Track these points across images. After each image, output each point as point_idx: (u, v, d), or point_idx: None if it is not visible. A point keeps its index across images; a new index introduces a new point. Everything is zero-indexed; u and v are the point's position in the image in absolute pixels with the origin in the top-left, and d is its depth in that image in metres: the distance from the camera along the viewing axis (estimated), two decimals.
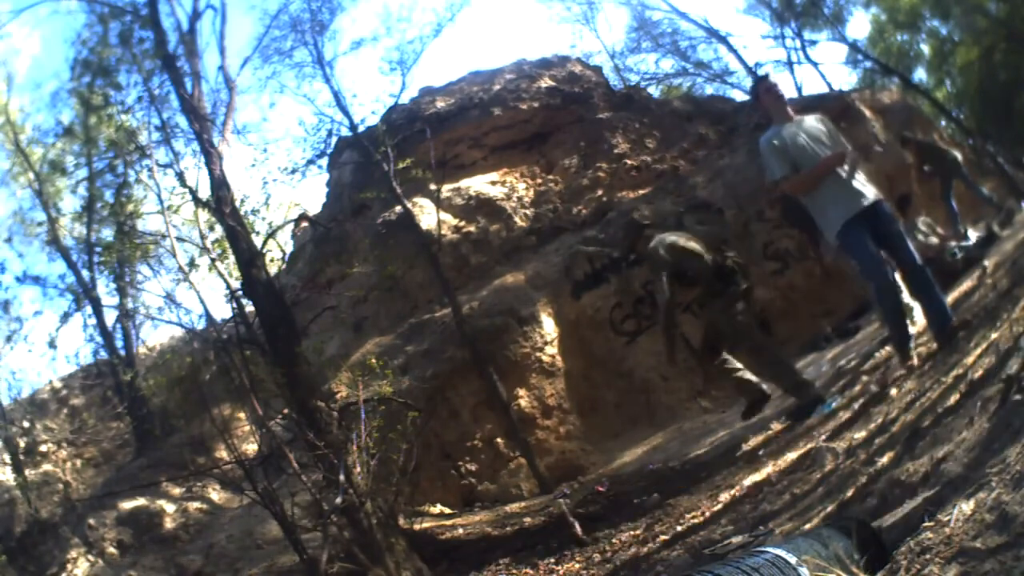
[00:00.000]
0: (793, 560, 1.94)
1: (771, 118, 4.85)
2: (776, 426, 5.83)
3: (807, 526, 3.06)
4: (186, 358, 7.12)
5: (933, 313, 4.32)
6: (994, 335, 3.35)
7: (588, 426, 9.10)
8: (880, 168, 10.43)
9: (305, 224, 12.19)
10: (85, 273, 12.45)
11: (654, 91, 19.25)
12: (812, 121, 4.78)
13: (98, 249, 11.38)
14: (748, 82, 20.44)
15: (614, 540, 5.04)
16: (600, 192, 11.89)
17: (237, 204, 6.74)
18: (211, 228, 7.24)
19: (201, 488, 9.43)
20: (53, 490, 10.60)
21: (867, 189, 4.49)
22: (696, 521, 4.51)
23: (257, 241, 6.77)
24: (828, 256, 6.27)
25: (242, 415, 7.97)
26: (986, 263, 6.14)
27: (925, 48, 25.15)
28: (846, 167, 4.47)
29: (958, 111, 23.47)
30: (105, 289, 12.51)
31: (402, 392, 7.70)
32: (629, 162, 12.28)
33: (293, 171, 10.50)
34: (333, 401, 6.30)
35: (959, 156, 10.12)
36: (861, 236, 4.40)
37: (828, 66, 32.81)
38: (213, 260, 6.75)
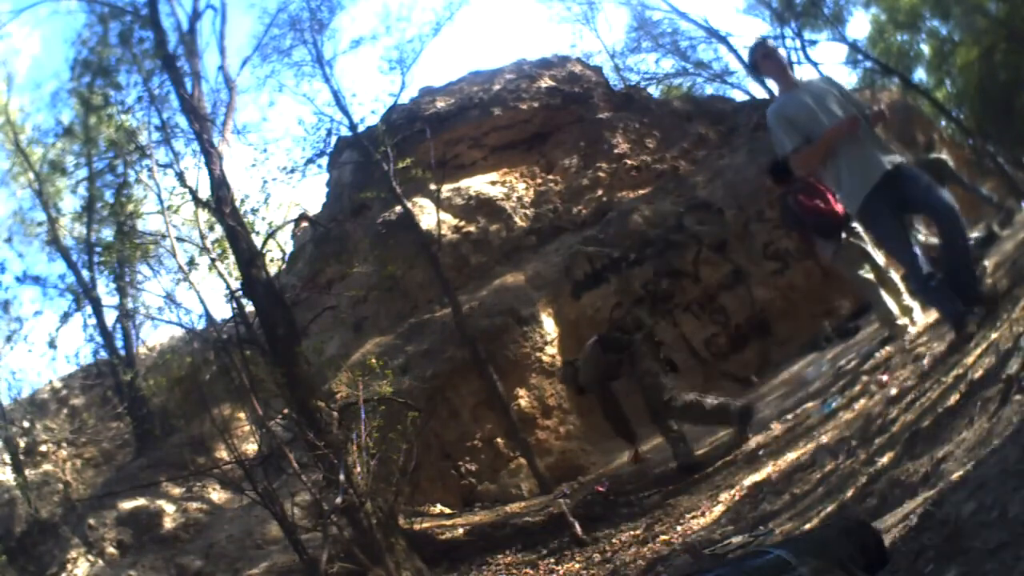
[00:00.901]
0: (793, 561, 1.94)
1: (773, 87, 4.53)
2: (776, 426, 5.84)
3: (807, 526, 3.07)
4: (186, 358, 7.11)
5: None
6: (994, 335, 3.35)
7: (588, 426, 9.09)
8: None
9: (305, 224, 12.18)
10: (85, 273, 12.42)
11: (654, 91, 19.22)
12: (821, 84, 4.41)
13: (98, 249, 11.36)
14: (748, 82, 20.47)
15: (614, 540, 5.05)
16: (600, 192, 11.88)
17: (237, 204, 6.75)
18: (211, 228, 7.23)
19: (201, 488, 9.43)
20: (53, 490, 10.59)
21: (885, 154, 4.06)
22: (696, 521, 4.51)
23: (257, 241, 6.77)
24: (824, 258, 6.23)
25: (242, 415, 7.97)
26: (986, 263, 6.12)
27: (925, 48, 25.08)
28: (859, 132, 4.02)
29: (958, 111, 23.42)
30: (105, 289, 12.48)
31: (402, 392, 7.69)
32: (629, 162, 12.27)
33: (293, 171, 10.47)
34: (333, 401, 6.29)
35: (948, 160, 10.02)
36: (881, 213, 4.02)
37: (828, 66, 32.46)
38: (213, 260, 6.74)
